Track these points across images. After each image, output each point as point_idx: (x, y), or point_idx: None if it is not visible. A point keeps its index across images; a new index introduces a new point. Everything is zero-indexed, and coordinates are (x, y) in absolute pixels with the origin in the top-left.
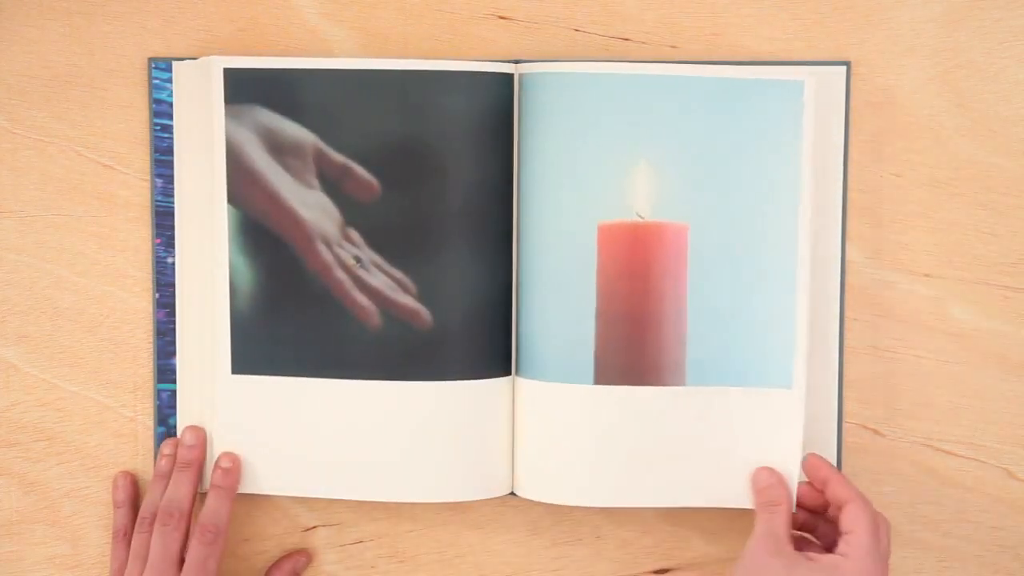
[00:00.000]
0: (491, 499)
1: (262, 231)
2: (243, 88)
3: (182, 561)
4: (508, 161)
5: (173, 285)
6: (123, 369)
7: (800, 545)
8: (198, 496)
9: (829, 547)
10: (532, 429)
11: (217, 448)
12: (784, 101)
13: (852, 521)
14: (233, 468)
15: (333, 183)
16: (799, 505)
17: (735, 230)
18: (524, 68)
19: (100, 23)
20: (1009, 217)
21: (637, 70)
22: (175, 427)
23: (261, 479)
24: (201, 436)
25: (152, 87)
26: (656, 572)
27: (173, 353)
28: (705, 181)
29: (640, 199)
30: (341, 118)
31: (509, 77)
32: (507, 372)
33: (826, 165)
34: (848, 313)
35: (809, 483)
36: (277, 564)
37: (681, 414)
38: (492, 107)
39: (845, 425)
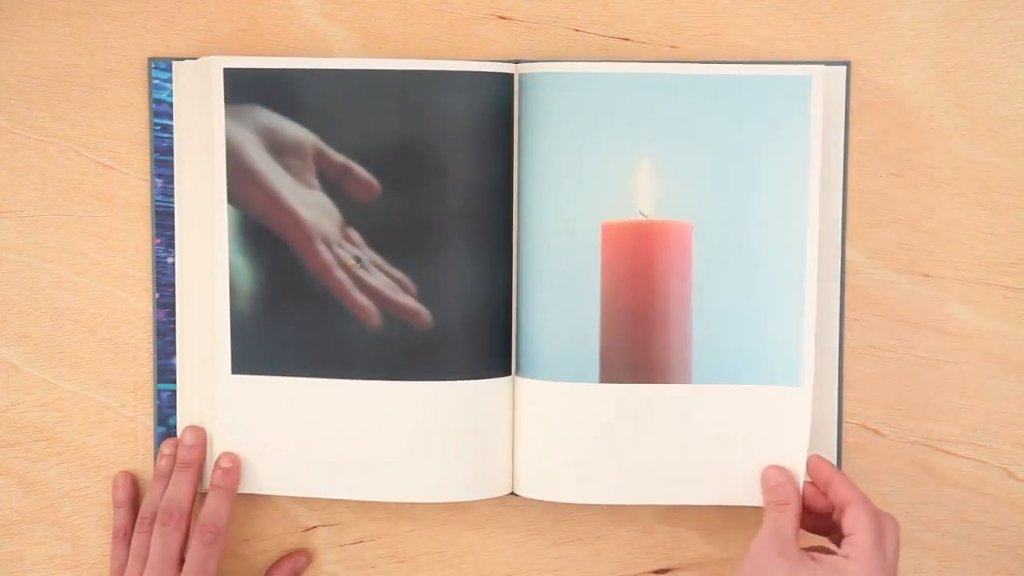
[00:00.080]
0: (491, 499)
1: (262, 231)
2: (243, 88)
3: (182, 561)
4: (508, 161)
5: (173, 285)
6: (123, 369)
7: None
8: (198, 496)
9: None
10: (533, 429)
11: (217, 448)
12: (789, 97)
13: (854, 523)
14: (233, 468)
15: (333, 183)
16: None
17: (740, 228)
18: (524, 68)
19: (100, 23)
20: (1009, 217)
21: (637, 69)
22: (175, 427)
23: (261, 479)
24: (201, 436)
25: (152, 87)
26: (656, 572)
27: (173, 353)
28: (709, 179)
29: (643, 198)
30: (341, 118)
31: (509, 77)
32: (507, 372)
33: (826, 165)
34: (848, 313)
35: (812, 483)
36: (277, 564)
37: (687, 411)
38: (492, 107)
39: (845, 425)
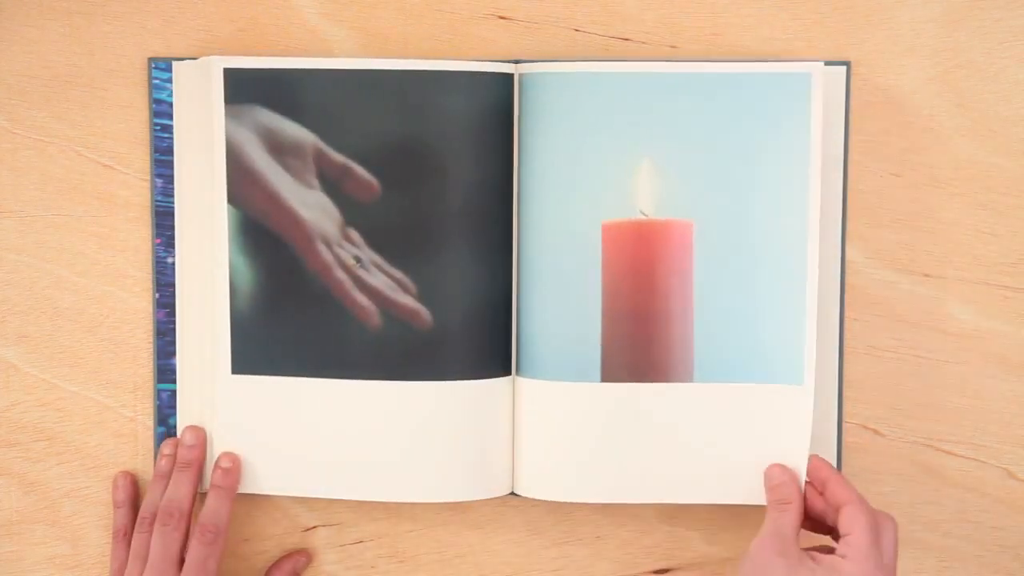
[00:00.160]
0: (491, 499)
1: (262, 231)
2: (243, 88)
3: (182, 561)
4: (508, 161)
5: (173, 285)
6: (123, 369)
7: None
8: (198, 496)
9: None
10: (533, 429)
11: (217, 448)
12: (789, 95)
13: (850, 522)
14: (233, 468)
15: (333, 183)
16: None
17: (741, 226)
18: (524, 68)
19: (100, 23)
20: (1009, 217)
21: (637, 69)
22: (175, 427)
23: (261, 479)
24: (201, 436)
25: (152, 87)
26: (656, 572)
27: (173, 353)
28: (709, 178)
29: (644, 197)
30: (341, 118)
31: (509, 77)
32: (507, 372)
33: (826, 165)
34: (848, 313)
35: (811, 484)
36: (277, 564)
37: (688, 411)
38: (492, 107)
39: (845, 425)
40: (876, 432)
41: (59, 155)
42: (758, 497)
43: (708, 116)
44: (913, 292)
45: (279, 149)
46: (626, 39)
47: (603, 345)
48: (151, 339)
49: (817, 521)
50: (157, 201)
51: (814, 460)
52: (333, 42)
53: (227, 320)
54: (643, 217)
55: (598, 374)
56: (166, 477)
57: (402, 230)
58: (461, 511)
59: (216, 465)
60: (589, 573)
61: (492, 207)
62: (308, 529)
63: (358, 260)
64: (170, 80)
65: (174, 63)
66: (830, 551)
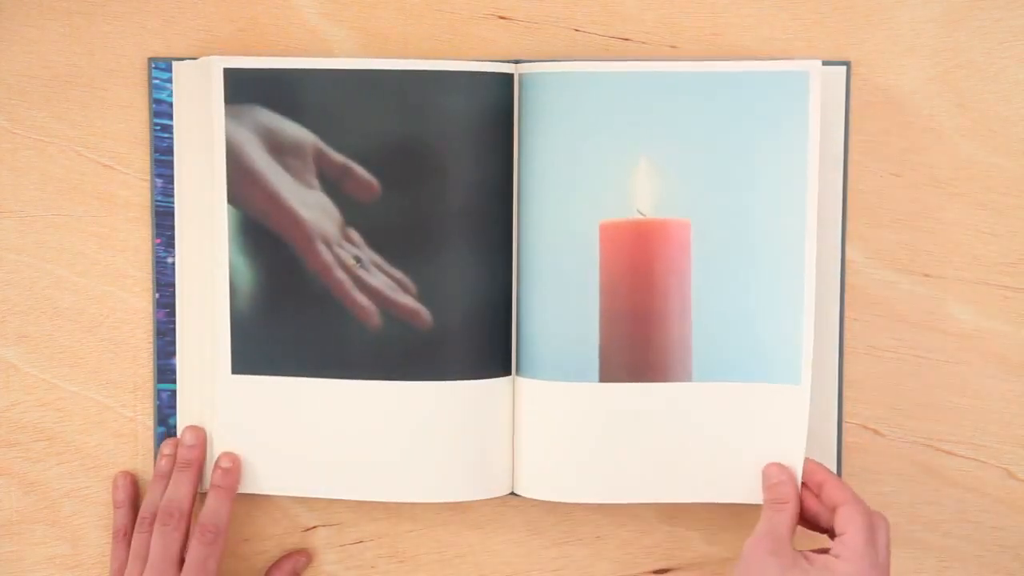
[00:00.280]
0: (491, 499)
1: (262, 231)
2: (243, 88)
3: (182, 561)
4: (508, 161)
5: (173, 285)
6: (123, 369)
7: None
8: (198, 496)
9: None
10: (533, 429)
11: (217, 448)
12: (787, 93)
13: (845, 522)
14: (233, 468)
15: (333, 183)
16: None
17: (739, 225)
18: (524, 68)
19: (100, 23)
20: (1009, 217)
21: (637, 68)
22: (175, 427)
23: (261, 479)
24: (201, 436)
25: (152, 87)
26: (656, 572)
27: (173, 353)
28: (707, 177)
29: (641, 197)
30: (341, 118)
31: (509, 77)
32: (507, 372)
33: (826, 165)
34: (848, 313)
35: (807, 486)
36: (277, 564)
37: (687, 410)
38: (492, 107)
39: (845, 425)
40: (876, 432)
41: (59, 155)
42: (756, 496)
43: (706, 115)
44: (913, 292)
45: (279, 149)
46: (626, 39)
47: (601, 345)
48: (151, 339)
49: (812, 523)
50: (157, 201)
51: (809, 463)
52: (333, 42)
53: (227, 320)
54: (641, 217)
55: (596, 374)
56: (166, 477)
57: (402, 230)
58: (461, 511)
59: (216, 465)
60: (589, 573)
61: (492, 207)
62: (308, 529)
63: (358, 260)
64: (170, 80)
65: (174, 63)
66: (826, 551)
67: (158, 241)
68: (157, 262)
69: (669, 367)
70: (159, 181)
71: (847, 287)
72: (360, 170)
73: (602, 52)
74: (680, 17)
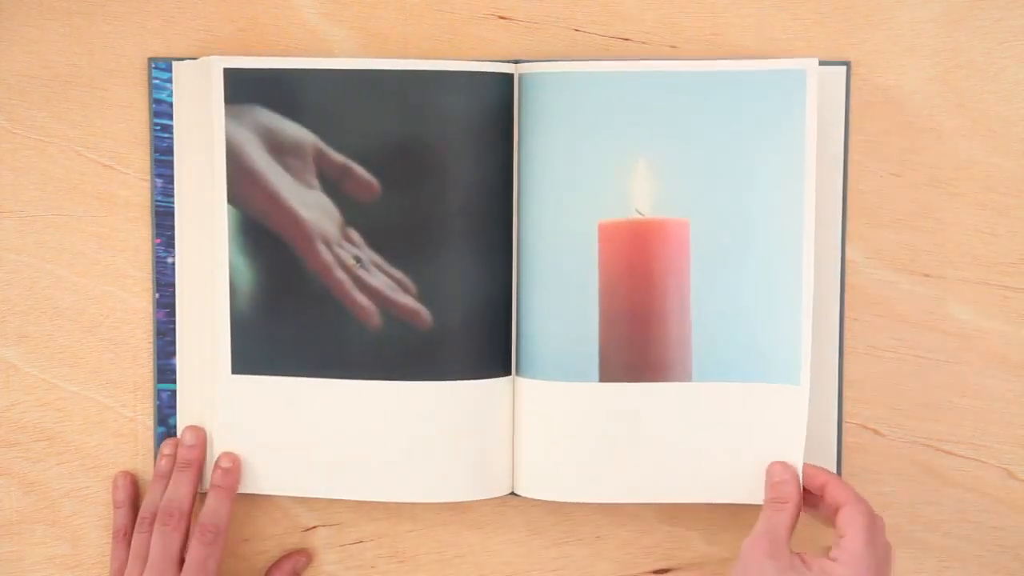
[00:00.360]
0: (491, 499)
1: (262, 231)
2: (243, 88)
3: (182, 561)
4: (508, 161)
5: (173, 285)
6: (123, 369)
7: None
8: (198, 496)
9: None
10: (533, 429)
11: (217, 448)
12: (785, 91)
13: (846, 524)
14: (233, 468)
15: (333, 183)
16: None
17: (737, 224)
18: (524, 68)
19: (100, 23)
20: (1009, 217)
21: (637, 68)
22: (175, 427)
23: (261, 479)
24: (201, 436)
25: (152, 87)
26: (656, 572)
27: (173, 353)
28: (706, 177)
29: (640, 197)
30: (341, 118)
31: (509, 77)
32: (507, 372)
33: (826, 165)
34: (848, 313)
35: (807, 490)
36: (277, 564)
37: (686, 409)
38: (492, 107)
39: (845, 425)
40: (876, 432)
41: (59, 155)
42: (756, 496)
43: (704, 115)
44: (913, 292)
45: (279, 149)
46: (626, 39)
47: (601, 345)
48: (151, 339)
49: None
50: (157, 201)
51: (808, 468)
52: (333, 42)
53: (227, 320)
54: (639, 216)
55: (596, 374)
56: (166, 477)
57: (402, 230)
58: (461, 511)
59: (216, 465)
60: (589, 573)
61: (492, 207)
62: (308, 529)
63: (358, 260)
64: (170, 80)
65: (174, 63)
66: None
67: (158, 241)
68: (157, 262)
69: (668, 367)
70: (159, 181)
71: (847, 287)
72: (360, 170)
73: (602, 52)
74: (680, 17)
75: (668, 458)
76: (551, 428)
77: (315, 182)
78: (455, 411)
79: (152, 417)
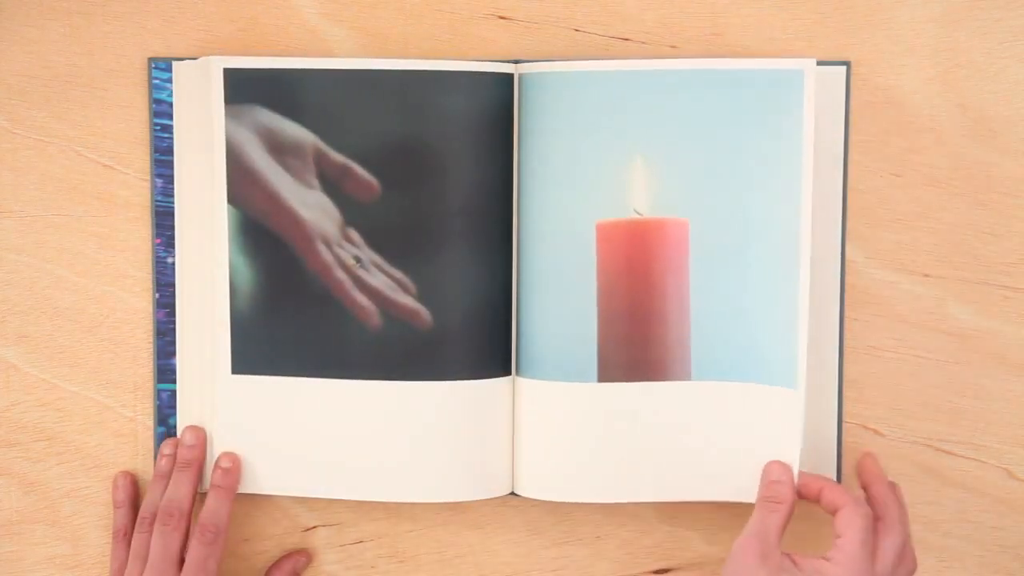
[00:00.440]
0: (491, 499)
1: (262, 231)
2: (243, 88)
3: (182, 561)
4: (508, 161)
5: (173, 285)
6: (123, 369)
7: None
8: (198, 496)
9: None
10: (533, 428)
11: (217, 448)
12: (783, 91)
13: (845, 525)
14: (233, 468)
15: (333, 183)
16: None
17: (736, 224)
18: (524, 68)
19: (100, 23)
20: (1009, 217)
21: (637, 67)
22: (175, 427)
23: (261, 479)
24: (201, 436)
25: (152, 87)
26: (656, 572)
27: (173, 353)
28: (705, 177)
29: (638, 196)
30: (341, 118)
31: (509, 77)
32: (507, 372)
33: (826, 165)
34: (848, 313)
35: (803, 495)
36: (277, 564)
37: (686, 409)
38: (492, 107)
39: (845, 425)
40: (876, 432)
41: (59, 155)
42: (754, 495)
43: (703, 115)
44: (913, 292)
45: (279, 149)
46: (626, 39)
47: (599, 345)
48: (151, 339)
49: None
50: (157, 201)
51: (803, 476)
52: (333, 42)
53: (227, 320)
54: (637, 216)
55: (595, 374)
56: (166, 477)
57: (402, 230)
58: (461, 511)
59: (216, 465)
60: (589, 573)
61: (492, 207)
62: (308, 529)
63: (358, 260)
64: (170, 80)
65: (174, 63)
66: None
67: (158, 241)
68: (157, 262)
69: (667, 366)
70: (159, 181)
71: (847, 287)
72: (360, 170)
73: (602, 52)
74: (680, 17)
75: (667, 457)
76: (551, 428)
77: (315, 182)
78: (455, 411)
79: (152, 417)
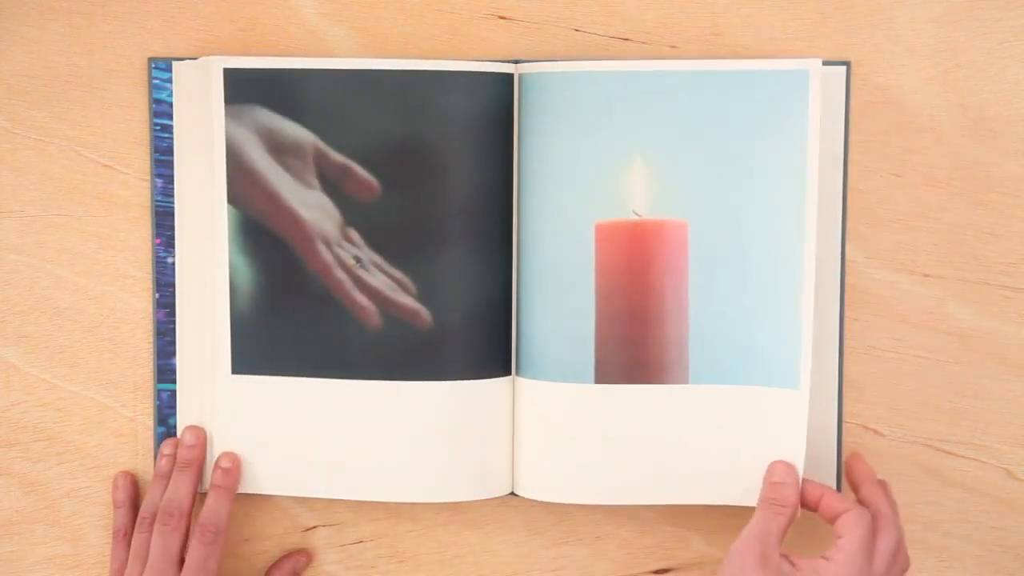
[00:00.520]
0: (491, 499)
1: (262, 231)
2: (243, 88)
3: (182, 561)
4: (508, 161)
5: (173, 285)
6: (123, 369)
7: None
8: (198, 496)
9: None
10: (532, 429)
11: (217, 448)
12: (786, 92)
13: (847, 527)
14: (233, 468)
15: (333, 183)
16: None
17: (737, 226)
18: (524, 68)
19: (100, 23)
20: (1009, 217)
21: (637, 68)
22: (175, 427)
23: (261, 479)
24: (201, 436)
25: (152, 87)
26: (656, 572)
27: (173, 353)
28: (705, 178)
29: (637, 197)
30: (341, 118)
31: (509, 77)
32: (507, 372)
33: (826, 165)
34: (848, 313)
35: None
36: (277, 564)
37: (684, 412)
38: (492, 107)
39: (845, 425)
40: (876, 432)
41: (59, 155)
42: (755, 498)
43: (706, 115)
44: (913, 292)
45: (279, 149)
46: (626, 39)
47: (597, 346)
48: (151, 339)
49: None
50: (157, 201)
51: (805, 483)
52: (333, 42)
53: (227, 320)
54: (636, 217)
55: (592, 375)
56: (166, 477)
57: (402, 230)
58: (461, 511)
59: (216, 465)
60: (589, 573)
61: (492, 207)
62: (308, 529)
63: (358, 260)
64: (170, 80)
65: (174, 63)
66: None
67: (158, 241)
68: (157, 262)
69: (666, 369)
70: (159, 181)
71: (847, 287)
72: (360, 170)
73: (602, 52)
74: (680, 17)
75: (668, 460)
76: (551, 429)
77: (315, 182)
78: (455, 411)
79: (152, 417)
